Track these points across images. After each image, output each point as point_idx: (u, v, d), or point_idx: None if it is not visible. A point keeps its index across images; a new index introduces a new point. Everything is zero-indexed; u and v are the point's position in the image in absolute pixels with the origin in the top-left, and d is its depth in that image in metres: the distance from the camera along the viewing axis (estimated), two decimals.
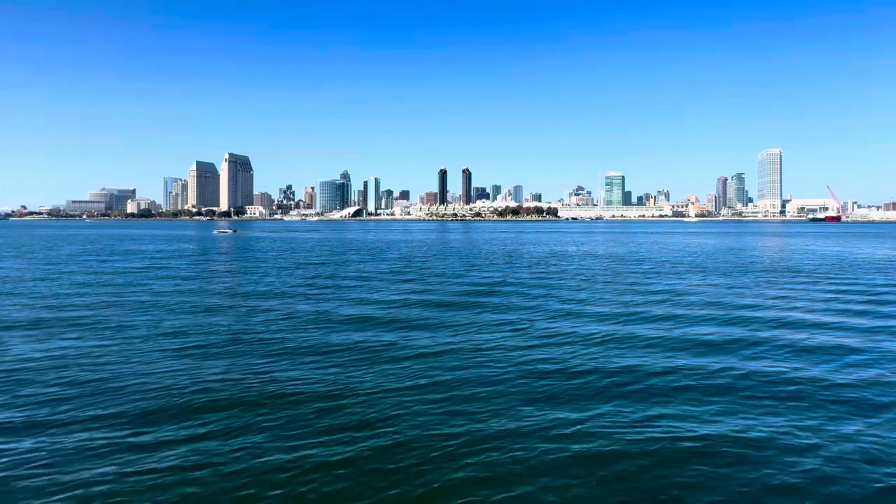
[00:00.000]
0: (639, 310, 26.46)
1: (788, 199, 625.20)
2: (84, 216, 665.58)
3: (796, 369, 16.48)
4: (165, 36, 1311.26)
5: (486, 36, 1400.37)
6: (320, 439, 11.37)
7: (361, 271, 45.13)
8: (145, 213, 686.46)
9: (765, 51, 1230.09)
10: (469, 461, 10.38)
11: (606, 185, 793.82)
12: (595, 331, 21.60)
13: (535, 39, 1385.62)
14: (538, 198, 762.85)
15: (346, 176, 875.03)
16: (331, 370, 16.34)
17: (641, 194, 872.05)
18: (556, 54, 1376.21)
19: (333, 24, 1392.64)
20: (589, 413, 12.87)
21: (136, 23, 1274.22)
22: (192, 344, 19.55)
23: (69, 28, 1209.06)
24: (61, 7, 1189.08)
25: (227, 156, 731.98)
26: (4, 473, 9.92)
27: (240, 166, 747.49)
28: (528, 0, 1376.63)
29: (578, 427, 12.01)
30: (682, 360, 17.30)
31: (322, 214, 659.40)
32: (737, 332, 21.58)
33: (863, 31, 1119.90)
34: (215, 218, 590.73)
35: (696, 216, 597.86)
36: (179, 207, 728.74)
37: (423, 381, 15.21)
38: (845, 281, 38.72)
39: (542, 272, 44.61)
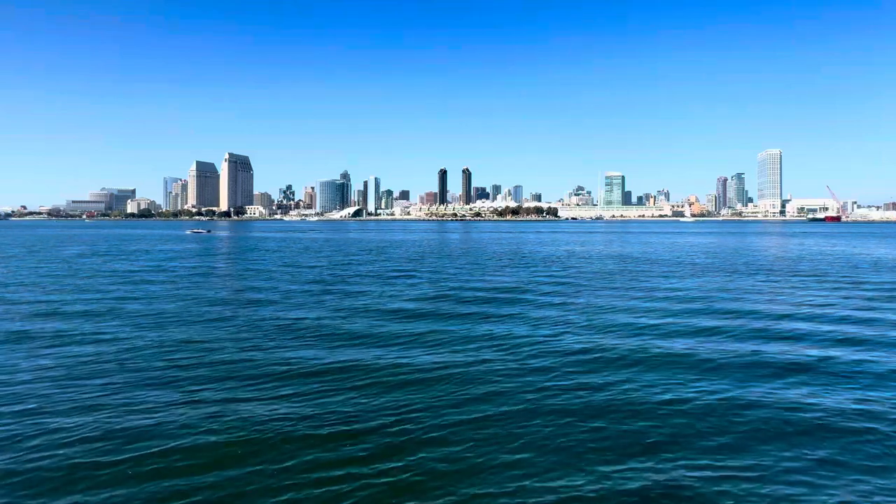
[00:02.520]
0: (670, 311, 25.92)
1: (788, 199, 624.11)
2: (84, 216, 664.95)
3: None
4: (165, 36, 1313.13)
5: (486, 36, 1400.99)
6: (343, 444, 11.52)
7: (375, 274, 43.05)
8: (145, 213, 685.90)
9: (765, 51, 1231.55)
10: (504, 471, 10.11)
11: (606, 185, 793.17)
12: (632, 333, 21.09)
13: (536, 39, 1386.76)
14: (538, 198, 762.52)
15: (346, 176, 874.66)
16: (358, 374, 16.22)
17: (641, 194, 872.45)
18: (556, 54, 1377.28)
19: (333, 25, 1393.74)
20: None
21: (135, 23, 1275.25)
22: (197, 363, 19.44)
23: (69, 28, 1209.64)
24: (61, 7, 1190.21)
25: (227, 156, 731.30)
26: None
27: (240, 166, 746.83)
28: (528, 1, 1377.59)
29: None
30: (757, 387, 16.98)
31: (322, 214, 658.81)
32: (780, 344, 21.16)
33: (863, 30, 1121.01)
34: (215, 218, 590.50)
35: (693, 216, 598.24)
36: (179, 207, 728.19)
37: (455, 388, 14.78)
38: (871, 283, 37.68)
39: (559, 273, 43.86)
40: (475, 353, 17.94)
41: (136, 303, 28.26)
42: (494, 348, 18.65)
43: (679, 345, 19.08)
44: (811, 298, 29.85)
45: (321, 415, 12.59)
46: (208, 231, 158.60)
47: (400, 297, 30.16)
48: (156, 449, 10.84)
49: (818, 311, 26.08)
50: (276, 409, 12.89)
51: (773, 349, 18.60)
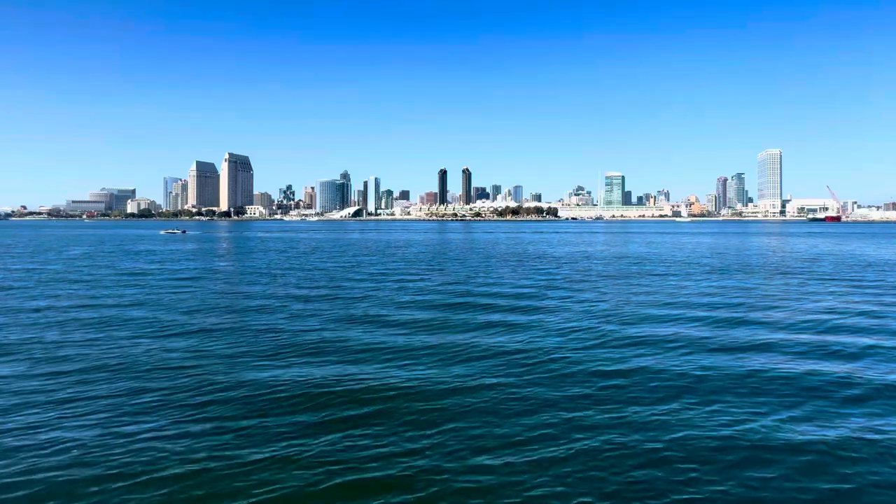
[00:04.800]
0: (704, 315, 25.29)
1: (788, 199, 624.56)
2: (84, 216, 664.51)
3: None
4: (165, 36, 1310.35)
5: (486, 36, 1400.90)
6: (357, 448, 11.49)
7: (389, 276, 41.55)
8: (145, 213, 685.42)
9: (765, 51, 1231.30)
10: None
11: (606, 185, 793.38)
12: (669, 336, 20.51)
13: (535, 39, 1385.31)
14: (538, 198, 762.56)
15: (346, 176, 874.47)
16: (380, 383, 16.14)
17: (641, 194, 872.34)
18: (556, 54, 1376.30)
19: (333, 25, 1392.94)
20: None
21: (135, 23, 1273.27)
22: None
23: (69, 28, 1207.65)
24: (61, 8, 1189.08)
25: (227, 156, 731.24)
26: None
27: (240, 166, 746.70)
28: (528, 0, 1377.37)
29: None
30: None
31: (322, 214, 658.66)
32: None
33: (863, 31, 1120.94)
34: (215, 218, 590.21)
35: (690, 216, 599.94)
36: (179, 207, 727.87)
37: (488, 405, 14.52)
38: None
39: (575, 274, 42.93)
40: (507, 366, 17.12)
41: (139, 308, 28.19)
42: (527, 359, 17.62)
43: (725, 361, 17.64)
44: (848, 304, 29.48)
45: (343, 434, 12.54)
46: (183, 231, 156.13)
47: (421, 302, 28.98)
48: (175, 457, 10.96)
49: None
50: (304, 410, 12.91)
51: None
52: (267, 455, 10.53)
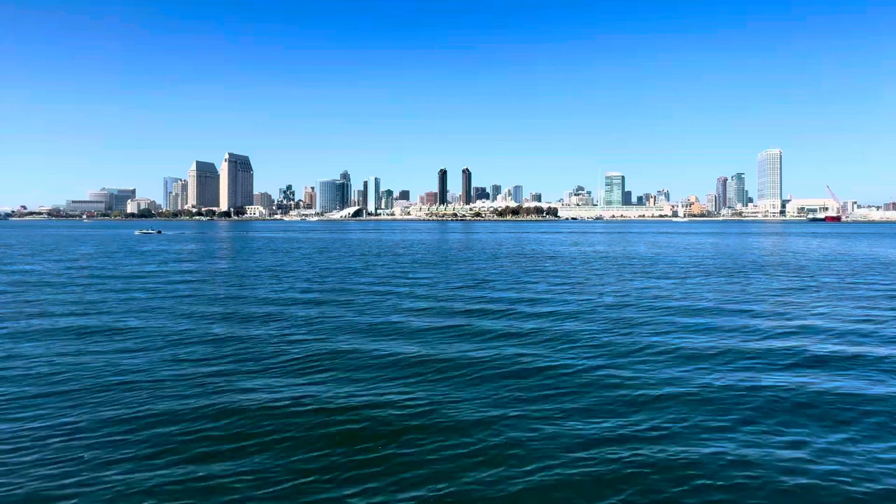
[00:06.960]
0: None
1: (788, 199, 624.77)
2: (84, 216, 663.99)
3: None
4: (165, 36, 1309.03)
5: (486, 36, 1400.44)
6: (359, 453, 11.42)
7: (402, 279, 40.14)
8: (145, 213, 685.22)
9: (765, 51, 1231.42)
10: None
11: (606, 185, 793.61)
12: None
13: (535, 40, 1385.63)
14: (538, 198, 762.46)
15: (346, 176, 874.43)
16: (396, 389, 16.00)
17: (641, 194, 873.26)
18: (556, 54, 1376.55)
19: (333, 25, 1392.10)
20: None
21: (135, 23, 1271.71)
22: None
23: (69, 28, 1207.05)
24: (61, 7, 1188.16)
25: (227, 156, 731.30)
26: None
27: (240, 166, 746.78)
28: (527, 0, 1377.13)
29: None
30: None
31: (322, 214, 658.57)
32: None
33: (863, 31, 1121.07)
34: (215, 218, 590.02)
35: (689, 216, 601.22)
36: (179, 207, 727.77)
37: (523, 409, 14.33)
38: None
39: (592, 276, 41.47)
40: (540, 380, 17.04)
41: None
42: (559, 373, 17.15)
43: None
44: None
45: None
46: (158, 231, 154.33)
47: (438, 309, 27.09)
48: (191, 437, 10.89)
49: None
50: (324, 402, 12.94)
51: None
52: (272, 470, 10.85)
